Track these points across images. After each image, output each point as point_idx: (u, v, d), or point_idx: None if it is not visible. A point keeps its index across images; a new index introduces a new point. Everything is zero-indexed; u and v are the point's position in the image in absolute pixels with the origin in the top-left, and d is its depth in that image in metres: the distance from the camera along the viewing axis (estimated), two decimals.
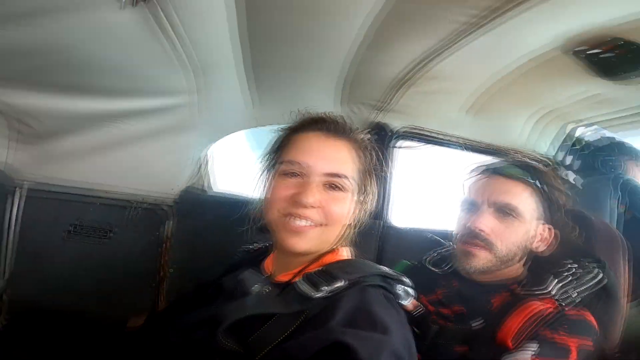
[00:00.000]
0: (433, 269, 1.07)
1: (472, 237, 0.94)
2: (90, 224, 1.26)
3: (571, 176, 1.52)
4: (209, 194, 1.42)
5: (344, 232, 0.74)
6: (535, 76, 1.16)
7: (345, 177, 0.69)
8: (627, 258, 1.00)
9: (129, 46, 0.85)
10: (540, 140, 1.53)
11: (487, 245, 0.93)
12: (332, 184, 0.69)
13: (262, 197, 0.74)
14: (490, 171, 1.01)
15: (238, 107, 1.28)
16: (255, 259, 0.87)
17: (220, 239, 1.31)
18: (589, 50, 1.01)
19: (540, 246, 0.97)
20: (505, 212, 0.93)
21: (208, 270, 1.29)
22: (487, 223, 0.93)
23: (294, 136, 0.74)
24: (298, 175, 0.69)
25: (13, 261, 1.20)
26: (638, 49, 0.98)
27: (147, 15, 0.76)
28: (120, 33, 0.80)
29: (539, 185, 0.96)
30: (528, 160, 1.03)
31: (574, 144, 1.56)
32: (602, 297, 0.90)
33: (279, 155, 0.74)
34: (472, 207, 0.98)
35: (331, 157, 0.70)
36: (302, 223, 0.67)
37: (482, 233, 0.93)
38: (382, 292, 0.65)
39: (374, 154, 0.77)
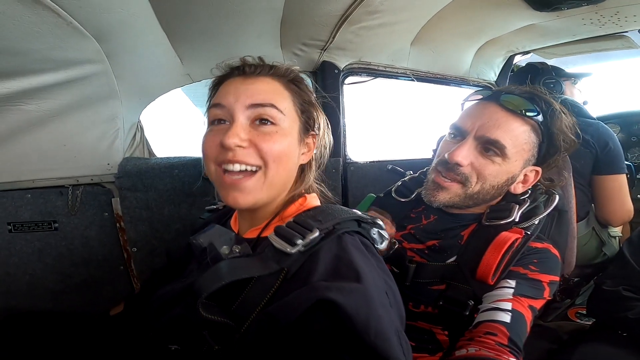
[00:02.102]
0: (399, 198, 1.02)
1: (448, 170, 0.85)
2: (29, 218, 1.15)
3: None
4: (153, 160, 1.31)
5: (305, 176, 0.70)
6: (475, 6, 1.14)
7: (273, 106, 0.62)
8: (572, 175, 1.00)
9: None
10: (484, 68, 1.57)
11: (461, 179, 0.83)
12: (261, 118, 0.62)
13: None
14: (489, 97, 0.86)
15: (164, 66, 1.12)
16: (222, 219, 0.83)
17: (176, 207, 1.27)
18: None
19: (519, 188, 0.87)
20: (491, 148, 0.82)
21: (172, 242, 1.28)
22: (467, 156, 0.82)
23: (218, 88, 0.68)
24: (225, 120, 0.63)
25: None
26: None
27: None
28: None
29: (542, 126, 0.82)
30: (539, 93, 0.85)
31: (512, 70, 1.65)
32: (555, 217, 0.91)
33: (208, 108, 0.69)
34: (458, 135, 0.87)
35: (253, 90, 0.63)
36: (237, 168, 0.60)
37: (459, 168, 0.83)
38: (359, 238, 0.62)
39: (307, 85, 0.71)
